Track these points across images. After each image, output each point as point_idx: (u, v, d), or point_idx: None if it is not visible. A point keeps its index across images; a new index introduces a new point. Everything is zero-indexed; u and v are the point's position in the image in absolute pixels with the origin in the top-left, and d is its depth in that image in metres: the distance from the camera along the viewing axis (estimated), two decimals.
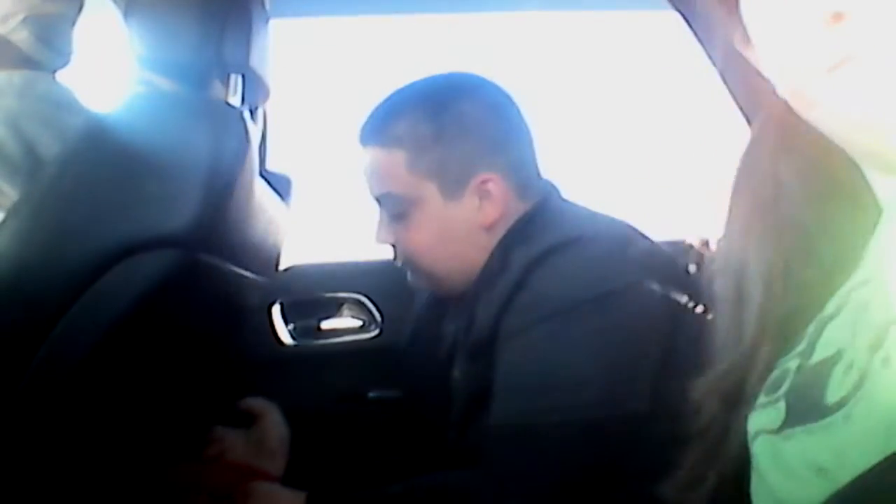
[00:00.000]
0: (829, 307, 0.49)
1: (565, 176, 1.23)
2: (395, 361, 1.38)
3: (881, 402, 0.41)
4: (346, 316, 1.67)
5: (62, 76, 1.19)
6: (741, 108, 1.65)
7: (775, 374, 0.50)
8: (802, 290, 0.51)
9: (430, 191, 1.10)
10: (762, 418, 0.50)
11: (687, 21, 1.53)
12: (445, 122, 1.11)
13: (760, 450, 0.49)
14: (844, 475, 0.42)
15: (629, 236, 1.10)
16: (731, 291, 0.55)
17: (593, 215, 1.14)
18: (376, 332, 1.63)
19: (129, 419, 1.09)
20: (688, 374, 0.98)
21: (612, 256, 1.04)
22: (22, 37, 1.13)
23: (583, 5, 1.88)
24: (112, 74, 1.20)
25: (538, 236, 1.07)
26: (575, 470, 0.98)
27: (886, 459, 0.38)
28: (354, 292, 1.64)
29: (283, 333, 1.61)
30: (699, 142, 2.28)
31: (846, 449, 0.42)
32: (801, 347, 0.49)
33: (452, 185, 1.10)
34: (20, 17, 1.13)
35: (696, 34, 1.55)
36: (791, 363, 0.49)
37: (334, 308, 1.67)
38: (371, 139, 1.14)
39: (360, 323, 1.66)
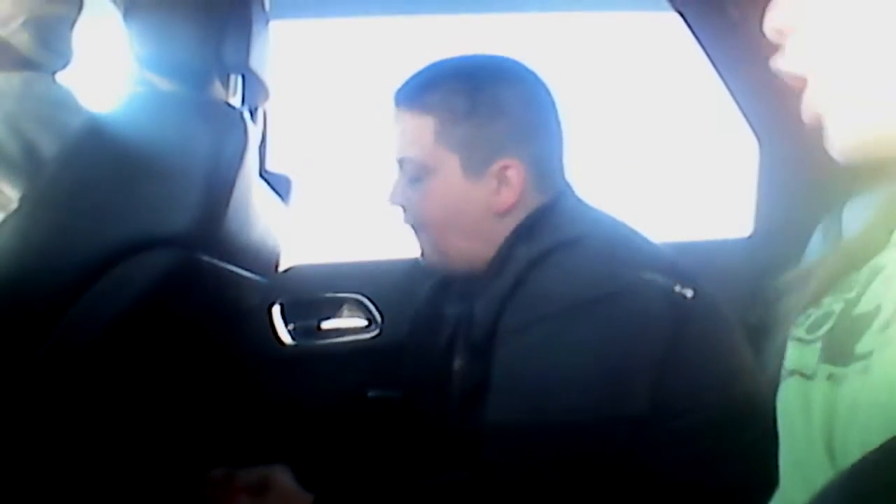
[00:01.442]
0: (882, 257, 0.50)
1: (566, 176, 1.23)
2: (395, 361, 1.38)
3: (893, 363, 0.42)
4: (346, 316, 1.67)
5: (62, 77, 1.20)
6: (742, 109, 1.66)
7: (819, 313, 0.51)
8: (862, 241, 0.52)
9: (452, 164, 1.11)
10: (799, 357, 0.51)
11: (687, 22, 1.53)
12: (480, 100, 1.12)
13: (790, 391, 0.51)
14: (852, 430, 0.43)
15: (631, 237, 1.10)
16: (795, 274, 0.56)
17: (599, 215, 1.14)
18: (376, 332, 1.63)
19: (129, 418, 1.09)
20: (694, 374, 0.98)
21: (613, 257, 1.04)
22: (22, 39, 1.13)
23: (583, 7, 1.88)
24: (112, 75, 1.21)
25: (543, 234, 1.07)
26: (570, 470, 0.98)
27: (891, 441, 0.39)
28: (354, 292, 1.64)
29: (283, 333, 1.62)
30: (700, 142, 2.28)
31: (859, 402, 0.43)
32: (850, 294, 0.49)
33: (475, 164, 1.11)
34: (20, 19, 1.13)
35: (696, 35, 1.55)
36: (836, 305, 0.50)
37: (334, 308, 1.67)
38: (404, 102, 1.14)
39: (360, 323, 1.66)
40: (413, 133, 1.12)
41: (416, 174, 1.13)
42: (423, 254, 1.19)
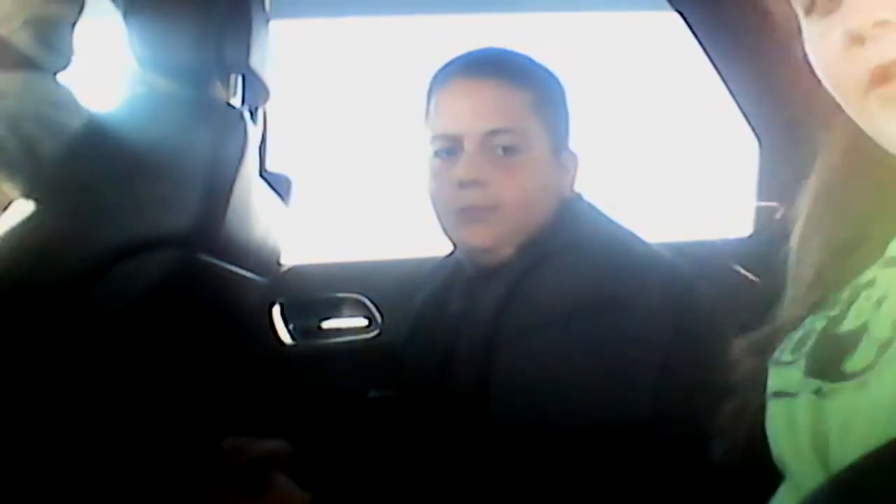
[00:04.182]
0: (866, 276, 0.50)
1: None
2: (395, 361, 1.38)
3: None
4: (346, 316, 1.67)
5: (63, 77, 1.20)
6: (742, 109, 1.66)
7: (801, 332, 0.52)
8: (846, 259, 0.52)
9: (544, 140, 1.11)
10: (783, 378, 0.51)
11: (687, 22, 1.53)
12: (559, 88, 1.16)
13: (776, 411, 0.51)
14: (849, 443, 0.42)
15: (631, 241, 1.10)
16: (788, 269, 0.57)
17: (600, 219, 1.14)
18: (376, 332, 1.63)
19: (129, 417, 1.09)
20: (694, 378, 0.98)
21: (612, 261, 1.03)
22: (23, 39, 1.13)
23: (582, 7, 1.88)
24: (112, 75, 1.21)
25: (548, 236, 1.07)
26: (571, 475, 0.97)
27: (883, 446, 0.39)
28: (354, 292, 1.64)
29: (283, 333, 1.62)
30: (700, 142, 2.28)
31: (855, 416, 0.43)
32: (833, 312, 0.50)
33: (558, 145, 1.12)
34: (21, 18, 1.13)
35: (696, 35, 1.55)
36: (818, 323, 0.50)
37: (334, 308, 1.67)
38: (498, 73, 1.10)
39: (360, 323, 1.66)
40: (512, 103, 1.09)
41: (514, 142, 1.08)
42: (473, 245, 1.12)
